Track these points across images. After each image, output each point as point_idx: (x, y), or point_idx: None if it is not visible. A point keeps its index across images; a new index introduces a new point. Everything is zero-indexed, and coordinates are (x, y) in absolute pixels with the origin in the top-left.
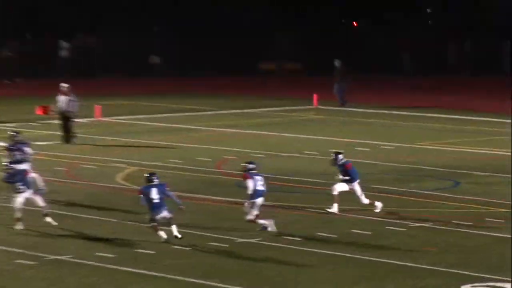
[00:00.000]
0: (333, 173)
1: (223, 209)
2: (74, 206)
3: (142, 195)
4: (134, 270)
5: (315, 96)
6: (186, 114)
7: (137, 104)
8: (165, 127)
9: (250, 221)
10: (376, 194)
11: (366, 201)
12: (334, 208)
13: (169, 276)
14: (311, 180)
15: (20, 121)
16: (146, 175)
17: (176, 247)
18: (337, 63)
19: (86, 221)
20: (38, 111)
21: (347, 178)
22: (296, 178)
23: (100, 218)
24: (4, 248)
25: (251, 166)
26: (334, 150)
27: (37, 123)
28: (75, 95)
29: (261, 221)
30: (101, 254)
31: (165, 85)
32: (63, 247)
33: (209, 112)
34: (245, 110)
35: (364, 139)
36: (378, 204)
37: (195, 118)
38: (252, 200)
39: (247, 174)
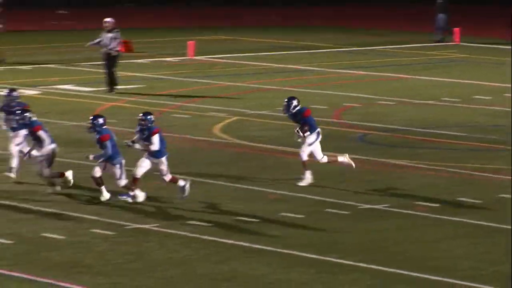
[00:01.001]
0: (475, 124)
1: (343, 170)
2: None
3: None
4: (235, 243)
5: (456, 30)
6: (297, 52)
7: (238, 39)
8: (271, 68)
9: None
10: None
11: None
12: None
13: (276, 250)
14: (451, 133)
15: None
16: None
17: (283, 214)
18: None
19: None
20: (120, 49)
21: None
22: (432, 131)
23: (193, 178)
24: (79, 215)
25: None
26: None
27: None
28: (118, 31)
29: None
30: (193, 222)
31: (272, 16)
32: (148, 215)
33: (325, 50)
34: (370, 48)
35: None
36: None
37: (308, 56)
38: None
39: None
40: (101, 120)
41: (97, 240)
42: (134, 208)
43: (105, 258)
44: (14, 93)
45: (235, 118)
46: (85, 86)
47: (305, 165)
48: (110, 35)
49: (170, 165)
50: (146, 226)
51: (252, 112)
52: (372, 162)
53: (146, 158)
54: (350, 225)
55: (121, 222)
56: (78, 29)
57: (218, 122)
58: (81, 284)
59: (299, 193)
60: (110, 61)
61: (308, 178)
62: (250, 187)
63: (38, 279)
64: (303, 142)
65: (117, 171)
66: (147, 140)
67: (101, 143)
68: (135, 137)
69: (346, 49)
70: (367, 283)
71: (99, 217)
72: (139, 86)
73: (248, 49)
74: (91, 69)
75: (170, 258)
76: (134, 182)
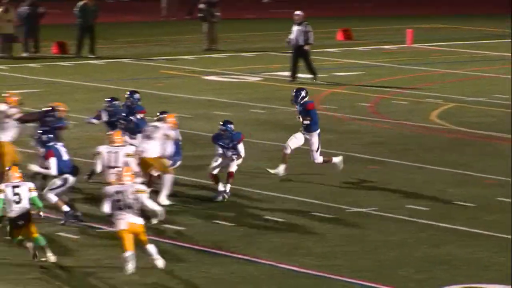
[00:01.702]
0: None
1: None
2: (380, 149)
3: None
4: (451, 227)
5: None
6: None
7: (456, 28)
8: (488, 56)
9: None
10: None
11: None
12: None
13: (493, 234)
14: None
15: (319, 47)
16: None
17: (499, 199)
18: None
19: (394, 167)
20: (339, 36)
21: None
22: None
23: (412, 164)
24: (300, 199)
25: None
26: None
27: (337, 49)
28: (308, 24)
29: None
30: (410, 206)
31: (491, 4)
32: (368, 198)
33: None
34: None
35: None
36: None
37: None
38: None
39: None
40: None
41: (317, 223)
42: (354, 192)
43: (324, 240)
44: (116, 102)
45: (452, 104)
46: (305, 73)
47: (284, 158)
48: (299, 27)
49: (391, 149)
50: (365, 210)
51: (469, 99)
52: None
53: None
54: None
55: (341, 206)
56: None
57: (435, 109)
58: (302, 266)
59: None
60: (299, 53)
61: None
62: (467, 172)
63: (260, 260)
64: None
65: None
66: (234, 149)
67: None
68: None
69: None
70: None
71: (319, 200)
72: (359, 73)
73: (465, 37)
74: (313, 56)
75: (387, 241)
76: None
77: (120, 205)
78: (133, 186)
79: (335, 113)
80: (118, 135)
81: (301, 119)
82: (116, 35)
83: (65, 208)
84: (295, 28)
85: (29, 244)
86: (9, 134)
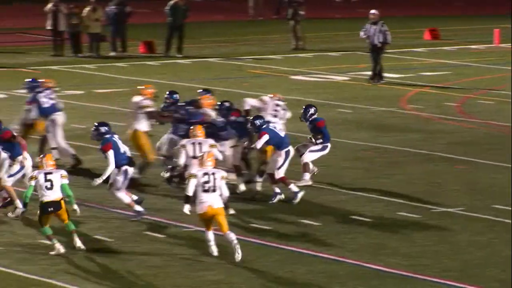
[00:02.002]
0: None
1: None
2: (467, 149)
3: None
4: None
5: None
6: None
7: None
8: None
9: None
10: None
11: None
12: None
13: None
14: None
15: (406, 46)
16: None
17: None
18: None
19: (480, 167)
20: (426, 36)
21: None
22: None
23: (499, 164)
24: (387, 198)
25: None
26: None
27: (424, 49)
28: (384, 23)
29: None
30: (497, 206)
31: None
32: (453, 198)
33: None
34: None
35: None
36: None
37: None
38: None
39: None
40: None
41: (404, 223)
42: (441, 192)
43: (411, 240)
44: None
45: None
46: (392, 73)
47: (305, 168)
48: (375, 27)
49: (477, 149)
50: (451, 210)
51: None
52: None
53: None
54: None
55: (427, 206)
56: (389, 16)
57: None
58: (388, 266)
59: None
60: (375, 52)
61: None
62: None
63: (346, 260)
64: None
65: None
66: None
67: None
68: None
69: None
70: None
71: (405, 200)
72: (446, 72)
73: None
74: (399, 56)
75: (474, 241)
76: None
77: (204, 188)
78: (218, 171)
79: (421, 112)
80: (200, 129)
81: (313, 139)
82: (203, 35)
83: (137, 207)
84: (371, 28)
85: (57, 245)
86: (145, 124)
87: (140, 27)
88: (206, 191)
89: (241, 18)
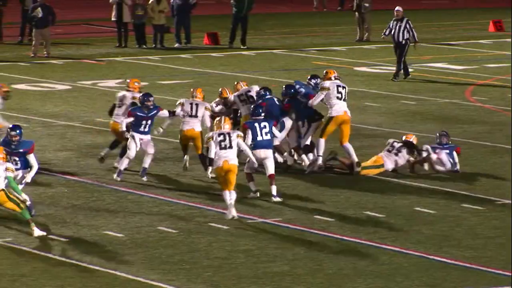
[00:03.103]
0: None
1: None
2: None
3: None
4: None
5: None
6: None
7: None
8: None
9: None
10: None
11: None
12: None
13: None
14: None
15: (470, 38)
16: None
17: None
18: None
19: None
20: (490, 28)
21: None
22: None
23: None
24: (450, 190)
25: None
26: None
27: (488, 41)
28: (409, 20)
29: None
30: None
31: None
32: None
33: None
34: None
35: None
36: None
37: None
38: None
39: None
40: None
41: (467, 215)
42: (505, 183)
43: (475, 232)
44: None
45: None
46: (456, 64)
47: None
48: (400, 24)
49: None
50: (510, 201)
51: None
52: None
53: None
54: None
55: (491, 198)
56: (454, 8)
57: None
58: (452, 257)
59: None
60: (400, 50)
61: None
62: None
63: (409, 252)
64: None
65: None
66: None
67: None
68: None
69: None
70: None
71: (469, 192)
72: (510, 64)
73: None
74: (463, 48)
75: None
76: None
77: (221, 146)
78: (234, 132)
79: (485, 104)
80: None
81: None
82: (267, 26)
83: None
84: (396, 25)
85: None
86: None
87: (205, 18)
88: (222, 148)
89: (306, 9)
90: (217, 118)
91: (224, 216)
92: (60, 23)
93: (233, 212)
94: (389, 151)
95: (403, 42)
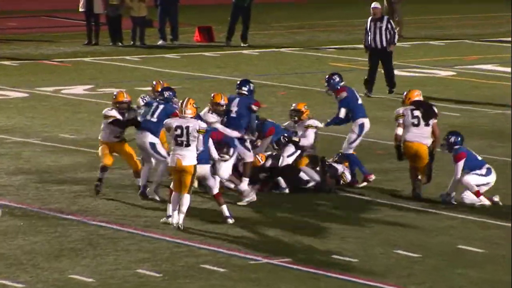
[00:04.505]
0: None
1: None
2: None
3: None
4: None
5: None
6: None
7: None
8: None
9: None
10: None
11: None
12: None
13: None
14: None
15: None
16: None
17: None
18: None
19: None
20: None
21: None
22: None
23: None
24: (499, 223)
25: None
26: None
27: None
28: (390, 19)
29: None
30: None
31: None
32: None
33: None
34: None
35: None
36: None
37: None
38: None
39: None
40: None
41: None
42: None
43: None
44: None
45: None
46: (507, 67)
47: None
48: (378, 24)
49: None
50: None
51: None
52: None
53: None
54: None
55: None
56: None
57: None
58: None
59: None
60: (380, 57)
61: None
62: None
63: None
64: None
65: None
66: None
67: None
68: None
69: None
70: None
71: None
72: None
73: None
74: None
75: None
76: None
77: (177, 142)
78: (194, 122)
79: None
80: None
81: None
82: (273, 19)
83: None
84: (372, 26)
85: None
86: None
87: (196, 9)
88: (179, 144)
89: None
90: (181, 101)
91: (168, 221)
92: (15, 14)
93: (178, 219)
94: None
95: (381, 48)
